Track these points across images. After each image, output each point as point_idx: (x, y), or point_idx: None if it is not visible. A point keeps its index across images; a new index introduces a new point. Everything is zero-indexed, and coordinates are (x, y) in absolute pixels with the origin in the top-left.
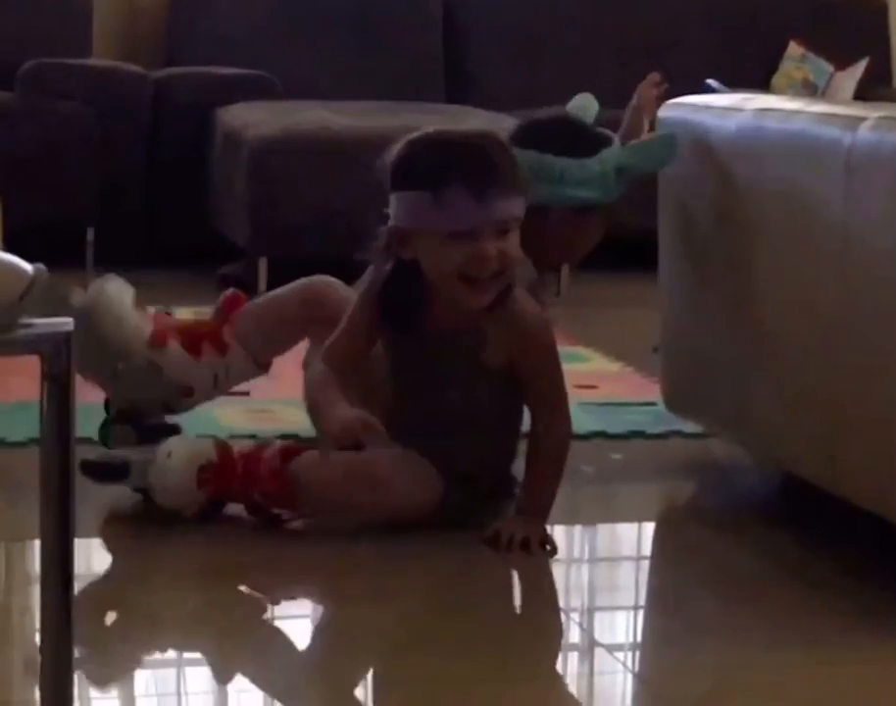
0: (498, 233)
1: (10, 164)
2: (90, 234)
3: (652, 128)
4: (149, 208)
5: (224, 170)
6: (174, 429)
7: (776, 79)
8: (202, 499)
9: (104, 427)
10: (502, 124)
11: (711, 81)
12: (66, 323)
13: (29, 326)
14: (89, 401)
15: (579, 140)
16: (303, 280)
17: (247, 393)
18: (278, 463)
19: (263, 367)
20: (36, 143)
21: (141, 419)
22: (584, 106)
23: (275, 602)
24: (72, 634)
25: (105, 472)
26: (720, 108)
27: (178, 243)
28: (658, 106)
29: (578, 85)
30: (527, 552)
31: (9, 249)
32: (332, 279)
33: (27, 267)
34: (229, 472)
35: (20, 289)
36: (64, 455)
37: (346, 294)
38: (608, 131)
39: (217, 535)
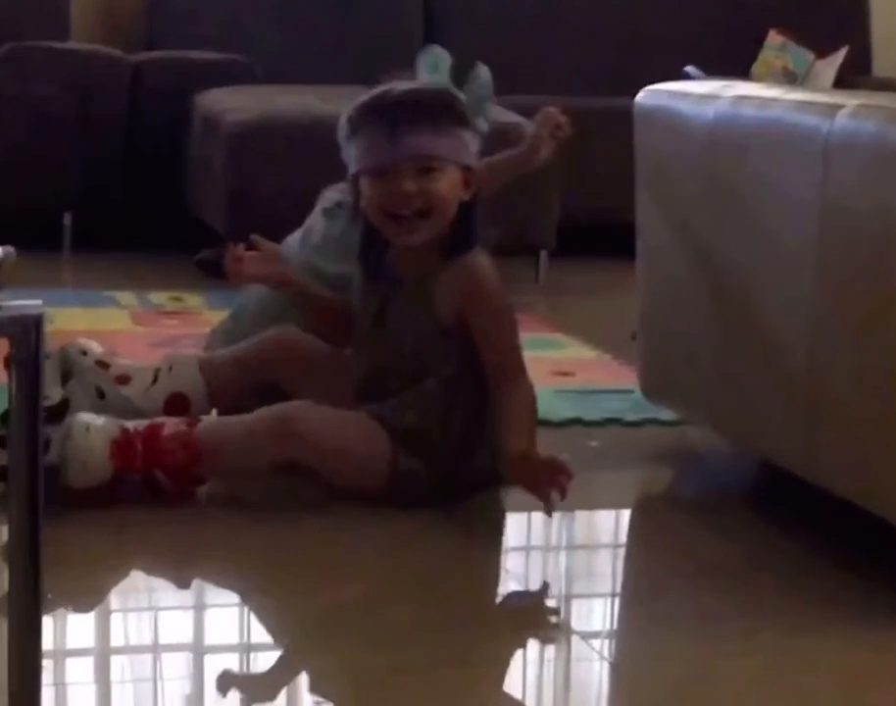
0: (420, 171)
1: None
2: (67, 218)
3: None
4: (127, 192)
5: (203, 154)
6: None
7: (756, 68)
8: (107, 478)
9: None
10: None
11: (689, 69)
12: (35, 305)
13: None
14: None
15: None
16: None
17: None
18: (186, 432)
19: (208, 383)
20: (14, 127)
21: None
22: (434, 60)
23: (213, 592)
24: (40, 618)
25: None
26: (697, 95)
27: (156, 228)
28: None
29: (559, 68)
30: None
31: None
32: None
33: None
34: (131, 449)
35: None
36: (32, 439)
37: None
38: (446, 87)
39: (113, 522)
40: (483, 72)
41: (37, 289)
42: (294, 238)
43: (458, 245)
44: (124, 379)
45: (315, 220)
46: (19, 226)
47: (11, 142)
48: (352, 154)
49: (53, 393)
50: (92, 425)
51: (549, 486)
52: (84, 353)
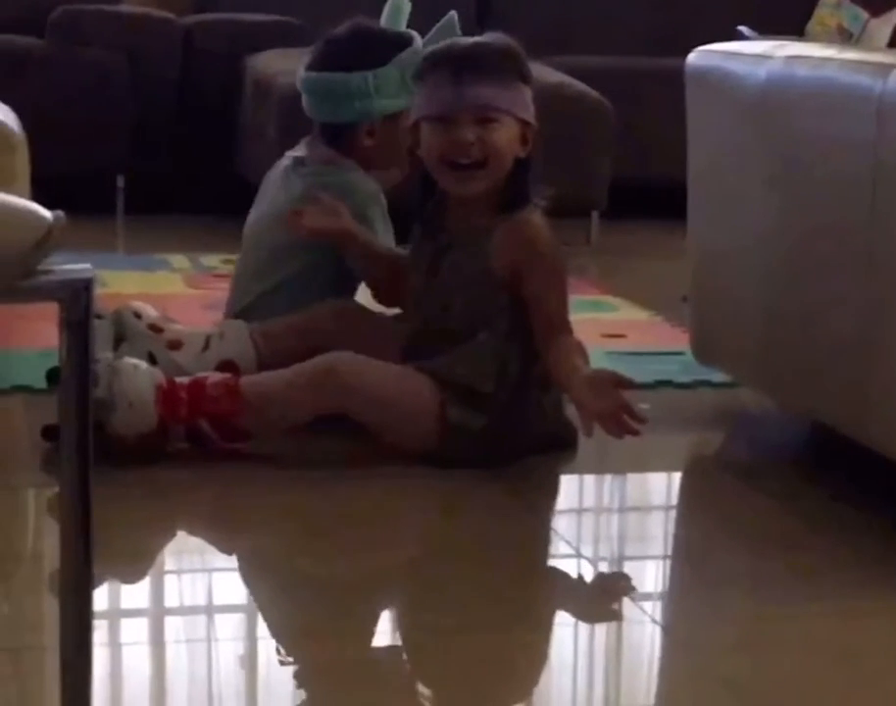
0: (478, 121)
1: (40, 111)
2: (120, 181)
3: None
4: (179, 155)
5: (254, 117)
6: None
7: (811, 26)
8: (153, 424)
9: (55, 370)
10: (536, 70)
11: (743, 28)
12: (85, 269)
13: (49, 272)
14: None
15: (371, 49)
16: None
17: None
18: (231, 381)
19: (260, 352)
20: (66, 90)
21: None
22: (395, 8)
23: (264, 553)
24: (91, 580)
25: None
26: (750, 55)
27: (208, 190)
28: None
29: (611, 31)
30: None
31: (39, 197)
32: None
33: (46, 213)
34: (176, 397)
35: (37, 236)
36: (82, 402)
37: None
38: (409, 32)
39: (159, 481)
40: (451, 16)
41: (90, 253)
42: (262, 213)
43: (512, 201)
44: (175, 345)
45: (274, 186)
46: (71, 189)
47: (63, 106)
48: (416, 102)
49: (105, 356)
50: (139, 366)
51: (618, 424)
52: (138, 316)
